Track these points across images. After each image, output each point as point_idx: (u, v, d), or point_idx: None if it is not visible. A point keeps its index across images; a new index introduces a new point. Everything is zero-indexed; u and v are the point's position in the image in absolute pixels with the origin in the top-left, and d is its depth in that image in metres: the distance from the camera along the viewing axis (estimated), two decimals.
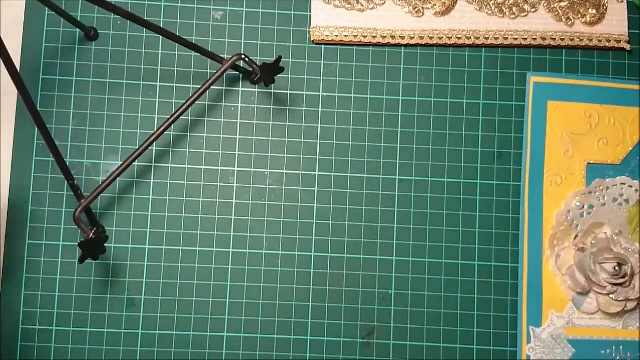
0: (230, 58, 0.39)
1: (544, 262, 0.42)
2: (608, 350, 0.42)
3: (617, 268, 0.41)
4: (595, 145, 0.43)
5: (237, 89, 0.43)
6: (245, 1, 0.44)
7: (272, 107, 0.43)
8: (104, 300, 0.41)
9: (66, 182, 0.36)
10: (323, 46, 0.44)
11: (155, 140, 0.38)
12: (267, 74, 0.40)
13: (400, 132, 0.43)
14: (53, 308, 0.41)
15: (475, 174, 0.43)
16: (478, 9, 0.44)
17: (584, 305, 0.42)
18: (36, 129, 0.42)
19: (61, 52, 0.43)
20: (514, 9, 0.44)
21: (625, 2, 0.44)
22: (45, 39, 0.43)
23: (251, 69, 0.40)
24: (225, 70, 0.39)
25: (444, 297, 0.42)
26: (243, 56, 0.39)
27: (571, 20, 0.44)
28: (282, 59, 0.42)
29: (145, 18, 0.43)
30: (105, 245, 0.36)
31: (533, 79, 0.44)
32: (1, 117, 0.42)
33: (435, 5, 0.44)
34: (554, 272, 0.42)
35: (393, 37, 0.43)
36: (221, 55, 0.41)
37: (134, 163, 0.42)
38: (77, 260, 0.41)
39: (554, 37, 0.44)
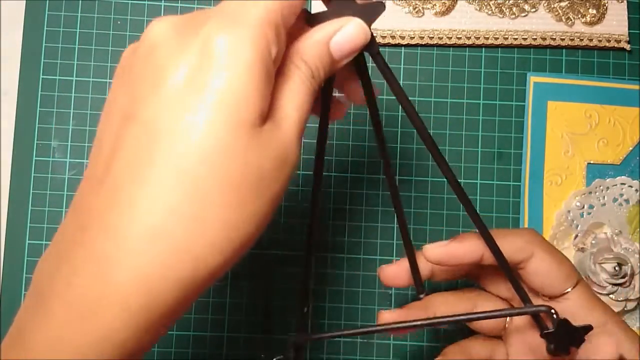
0: None
1: None
2: None
3: (617, 268, 0.41)
4: (595, 145, 0.43)
5: None
6: None
7: None
8: None
9: None
10: None
11: None
12: None
13: (400, 132, 0.43)
14: None
15: (475, 174, 0.43)
16: (478, 9, 0.44)
17: None
18: (36, 128, 0.42)
19: (61, 52, 0.43)
20: (514, 9, 0.44)
21: (625, 2, 0.44)
22: (45, 39, 0.43)
23: None
24: None
25: None
26: None
27: (571, 20, 0.44)
28: None
29: (145, 18, 0.43)
30: None
31: (533, 79, 0.43)
32: (1, 117, 0.42)
33: (435, 5, 0.44)
34: None
35: (393, 37, 0.43)
36: None
37: None
38: None
39: (554, 37, 0.44)
